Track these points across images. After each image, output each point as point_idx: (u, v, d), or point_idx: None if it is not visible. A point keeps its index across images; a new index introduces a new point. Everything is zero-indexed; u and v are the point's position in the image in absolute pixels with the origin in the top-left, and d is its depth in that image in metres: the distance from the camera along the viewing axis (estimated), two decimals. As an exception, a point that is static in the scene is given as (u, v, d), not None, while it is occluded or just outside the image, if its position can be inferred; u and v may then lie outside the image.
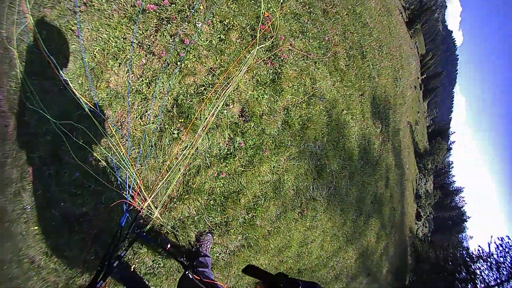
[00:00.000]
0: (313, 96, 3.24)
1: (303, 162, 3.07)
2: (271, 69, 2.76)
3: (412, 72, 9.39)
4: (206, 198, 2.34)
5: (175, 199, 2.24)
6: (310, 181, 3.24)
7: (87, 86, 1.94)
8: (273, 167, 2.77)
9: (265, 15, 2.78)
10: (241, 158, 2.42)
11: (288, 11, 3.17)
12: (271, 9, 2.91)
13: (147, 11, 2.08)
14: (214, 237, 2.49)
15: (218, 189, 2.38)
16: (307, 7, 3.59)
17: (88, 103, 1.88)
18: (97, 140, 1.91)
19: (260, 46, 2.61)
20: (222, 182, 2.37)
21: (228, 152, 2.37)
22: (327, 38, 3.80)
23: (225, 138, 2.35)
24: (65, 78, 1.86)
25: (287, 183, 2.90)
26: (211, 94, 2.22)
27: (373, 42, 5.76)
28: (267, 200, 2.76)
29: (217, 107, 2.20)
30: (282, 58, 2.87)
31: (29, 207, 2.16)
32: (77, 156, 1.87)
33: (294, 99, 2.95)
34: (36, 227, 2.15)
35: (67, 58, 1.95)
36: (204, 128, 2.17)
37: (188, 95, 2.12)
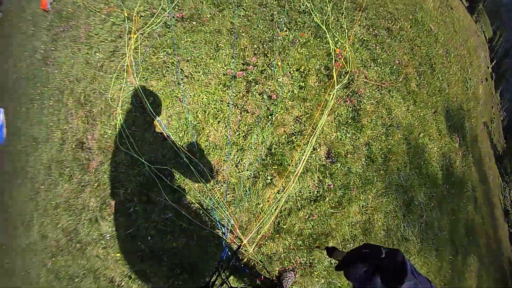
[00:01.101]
0: (391, 126, 2.89)
1: (390, 197, 2.69)
2: (350, 107, 2.61)
3: (481, 65, 7.65)
4: (295, 238, 2.21)
5: (266, 238, 2.19)
6: (400, 218, 2.77)
7: (187, 140, 2.14)
8: (362, 206, 2.48)
9: (336, 52, 2.67)
10: (330, 200, 2.25)
11: (356, 39, 2.99)
12: (339, 42, 2.79)
13: (237, 77, 2.24)
14: (297, 276, 2.31)
15: (307, 230, 2.23)
16: (371, 30, 3.38)
17: (186, 152, 2.06)
18: (192, 185, 2.05)
19: (338, 86, 2.48)
20: (312, 223, 2.22)
21: (318, 194, 2.23)
22: (397, 62, 3.43)
23: (314, 181, 2.23)
24: (167, 132, 2.11)
25: (377, 222, 2.54)
26: (299, 141, 2.17)
27: (439, 49, 4.99)
28: (356, 242, 2.44)
29: (306, 153, 2.12)
30: (359, 94, 2.68)
31: (108, 236, 2.44)
32: (170, 198, 2.03)
33: (374, 133, 2.66)
34: (118, 254, 2.39)
35: (171, 117, 2.23)
36: (296, 174, 2.10)
37: (280, 144, 2.13)
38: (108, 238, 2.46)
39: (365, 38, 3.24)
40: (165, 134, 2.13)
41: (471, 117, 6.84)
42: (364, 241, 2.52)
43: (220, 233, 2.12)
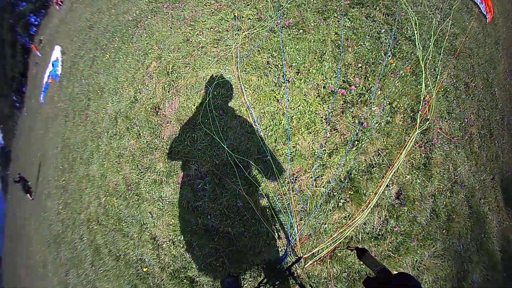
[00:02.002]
0: (455, 182, 2.74)
1: (446, 262, 2.56)
2: (423, 153, 2.50)
3: None
4: (342, 269, 2.16)
5: (316, 257, 2.15)
6: None
7: (274, 140, 2.11)
8: (416, 261, 2.39)
9: (426, 97, 2.55)
10: (390, 243, 2.16)
11: (441, 89, 2.86)
12: (428, 87, 2.66)
13: (337, 94, 2.17)
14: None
15: (357, 265, 2.16)
16: (454, 81, 3.22)
17: (272, 151, 2.03)
18: (268, 183, 2.03)
19: (419, 131, 2.38)
20: (364, 260, 2.15)
21: (380, 233, 2.16)
22: (466, 120, 3.27)
23: (380, 218, 2.16)
24: (258, 127, 2.08)
25: (424, 284, 2.43)
26: (376, 173, 2.09)
27: (497, 115, 4.74)
28: None
29: (381, 188, 2.05)
30: (432, 142, 2.55)
31: (167, 201, 2.48)
32: (244, 189, 2.03)
33: (441, 186, 2.54)
34: (173, 220, 2.43)
35: (264, 115, 2.21)
36: (366, 204, 2.03)
37: (360, 171, 2.06)
38: (167, 202, 2.50)
39: (448, 89, 3.09)
40: (255, 126, 2.10)
41: None
42: None
43: (278, 236, 2.10)
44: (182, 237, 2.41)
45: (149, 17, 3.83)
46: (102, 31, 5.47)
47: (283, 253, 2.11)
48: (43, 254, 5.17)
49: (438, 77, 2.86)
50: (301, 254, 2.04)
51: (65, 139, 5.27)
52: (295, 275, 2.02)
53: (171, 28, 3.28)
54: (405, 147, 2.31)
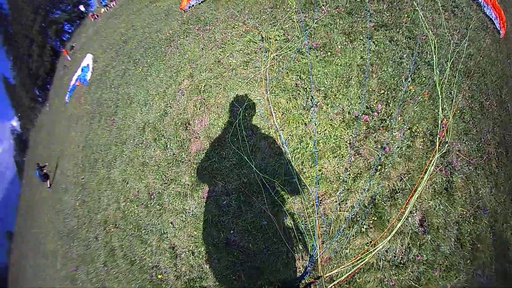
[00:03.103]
0: (478, 208, 2.68)
1: None
2: (444, 177, 2.50)
3: None
4: None
5: (335, 281, 2.12)
6: None
7: (301, 162, 2.17)
8: None
9: (443, 122, 2.59)
10: (412, 272, 2.12)
11: (457, 111, 2.88)
12: (445, 110, 2.69)
13: (360, 119, 2.25)
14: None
15: None
16: (469, 101, 3.25)
17: (301, 178, 2.08)
18: (293, 205, 2.07)
19: (439, 154, 2.41)
20: (384, 288, 2.10)
21: (402, 262, 2.13)
22: (483, 139, 3.23)
23: (403, 246, 2.14)
24: (287, 150, 2.16)
25: None
26: (400, 199, 2.10)
27: (511, 130, 4.57)
28: None
29: (405, 213, 2.05)
30: (453, 165, 2.55)
31: (191, 213, 2.53)
32: (269, 208, 2.07)
33: (464, 212, 2.50)
34: (195, 232, 2.47)
35: (291, 137, 2.30)
36: (391, 231, 2.03)
37: (383, 197, 2.08)
38: (191, 215, 2.57)
39: (464, 110, 3.11)
40: (283, 148, 2.20)
41: None
42: None
43: (297, 256, 2.11)
44: (203, 248, 2.46)
45: (181, 37, 4.17)
46: (136, 46, 5.92)
47: (300, 274, 2.12)
48: (55, 245, 5.23)
49: (454, 99, 2.90)
50: (321, 274, 2.04)
51: (88, 140, 5.53)
52: None
53: (202, 49, 3.55)
54: (426, 170, 2.33)
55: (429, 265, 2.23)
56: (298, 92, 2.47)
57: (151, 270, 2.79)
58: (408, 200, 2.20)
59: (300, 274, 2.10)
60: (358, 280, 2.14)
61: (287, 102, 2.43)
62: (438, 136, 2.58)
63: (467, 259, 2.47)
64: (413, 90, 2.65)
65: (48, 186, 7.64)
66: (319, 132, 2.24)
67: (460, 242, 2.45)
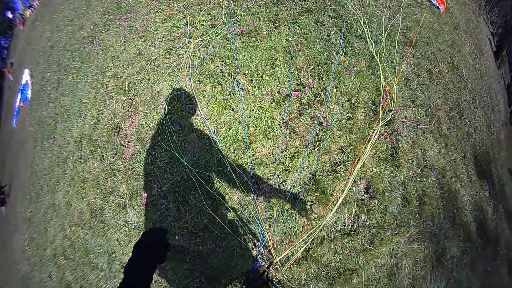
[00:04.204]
0: (425, 167, 2.74)
1: (423, 245, 2.57)
2: (389, 144, 2.48)
3: (501, 111, 7.49)
4: (320, 269, 2.10)
5: (292, 261, 2.09)
6: (429, 269, 2.64)
7: (233, 150, 2.01)
8: (393, 249, 2.37)
9: (386, 89, 2.53)
10: (364, 237, 2.12)
11: (402, 79, 2.85)
12: (388, 78, 2.65)
13: (291, 97, 2.10)
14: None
15: (334, 263, 2.11)
16: (415, 69, 3.23)
17: (231, 163, 1.93)
18: (233, 195, 1.94)
19: (382, 123, 2.34)
20: (341, 257, 2.09)
21: (352, 229, 2.12)
22: (432, 105, 3.29)
23: (351, 215, 2.11)
24: (216, 139, 1.98)
25: (404, 269, 2.42)
26: (342, 171, 2.04)
27: (468, 95, 4.84)
28: (379, 286, 2.33)
29: (348, 184, 2.00)
30: (398, 132, 2.54)
31: (134, 225, 2.35)
32: (208, 205, 1.92)
33: (410, 173, 2.53)
34: None
35: (220, 125, 2.10)
36: (335, 204, 1.98)
37: (324, 172, 1.99)
38: (133, 227, 2.35)
39: (410, 78, 3.10)
40: (212, 139, 1.99)
41: (497, 164, 6.51)
42: (388, 285, 2.40)
43: (251, 245, 2.01)
44: (154, 261, 2.26)
45: (103, 31, 3.62)
46: (62, 51, 5.17)
47: (267, 263, 2.03)
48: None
49: (397, 67, 2.85)
50: (274, 259, 1.96)
51: (33, 166, 4.95)
52: (274, 282, 1.94)
53: (124, 42, 3.10)
54: (369, 140, 2.27)
55: (380, 227, 2.25)
56: (224, 77, 2.22)
57: (112, 297, 2.58)
58: (352, 171, 2.14)
59: (253, 264, 2.00)
60: (313, 255, 2.10)
61: (212, 89, 2.17)
62: (381, 104, 2.51)
63: (415, 214, 2.54)
64: (347, 61, 2.52)
65: (4, 212, 6.84)
66: (248, 116, 2.04)
67: (407, 200, 2.50)
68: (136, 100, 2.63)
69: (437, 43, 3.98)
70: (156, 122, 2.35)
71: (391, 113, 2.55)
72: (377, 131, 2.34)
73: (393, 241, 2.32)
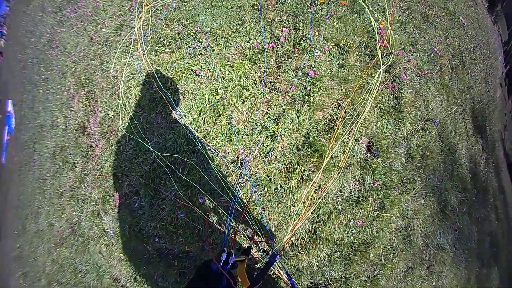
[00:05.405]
0: (427, 120, 2.38)
1: (428, 200, 2.24)
2: (392, 94, 2.08)
3: (498, 68, 6.94)
4: (332, 249, 1.73)
5: (299, 248, 1.71)
6: (437, 224, 2.33)
7: (202, 122, 1.64)
8: (403, 209, 2.00)
9: (381, 25, 2.13)
10: (374, 201, 1.74)
11: (394, 20, 2.45)
12: (378, 20, 2.26)
13: (266, 50, 1.72)
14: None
15: (347, 239, 1.74)
16: (407, 13, 2.81)
17: (201, 137, 1.56)
18: (209, 179, 1.56)
19: (384, 66, 1.95)
20: (353, 231, 1.72)
21: (360, 195, 1.73)
22: (435, 50, 2.89)
23: (356, 178, 1.73)
24: (179, 112, 1.61)
25: (416, 229, 2.06)
26: (340, 129, 1.66)
27: (469, 44, 4.38)
28: (397, 254, 1.97)
29: (350, 144, 1.62)
30: (401, 79, 2.14)
31: (111, 232, 1.99)
32: (182, 193, 1.56)
33: (413, 126, 2.15)
34: (122, 254, 1.97)
35: (184, 95, 1.73)
36: (338, 169, 1.60)
37: (319, 131, 1.61)
38: (112, 234, 2.01)
39: (403, 20, 2.70)
40: (175, 115, 1.63)
41: (491, 121, 6.23)
42: (404, 252, 2.05)
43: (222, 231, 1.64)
44: (140, 270, 1.94)
45: (58, 31, 3.28)
46: (31, 66, 4.88)
47: (267, 254, 1.68)
48: None
49: (387, 9, 2.45)
50: (275, 250, 1.59)
51: (20, 197, 4.68)
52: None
53: (77, 33, 2.75)
54: (369, 90, 1.88)
55: (388, 187, 1.87)
56: (182, 40, 1.84)
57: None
58: (350, 127, 1.76)
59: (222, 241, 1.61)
60: (322, 235, 1.73)
61: (169, 55, 1.81)
62: (378, 45, 2.11)
63: (419, 169, 2.20)
64: (322, 8, 2.13)
65: None
66: (215, 78, 1.67)
67: (410, 155, 2.13)
68: (95, 92, 2.29)
69: (429, -11, 3.55)
70: (115, 110, 2.01)
71: (391, 56, 2.16)
72: (378, 77, 1.95)
73: (401, 200, 1.95)
